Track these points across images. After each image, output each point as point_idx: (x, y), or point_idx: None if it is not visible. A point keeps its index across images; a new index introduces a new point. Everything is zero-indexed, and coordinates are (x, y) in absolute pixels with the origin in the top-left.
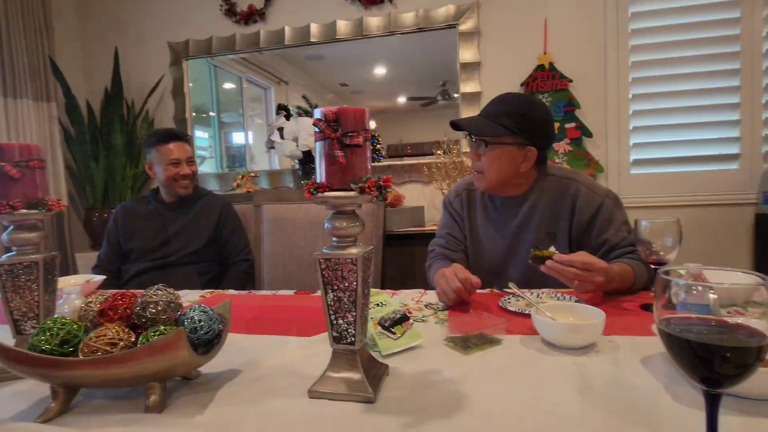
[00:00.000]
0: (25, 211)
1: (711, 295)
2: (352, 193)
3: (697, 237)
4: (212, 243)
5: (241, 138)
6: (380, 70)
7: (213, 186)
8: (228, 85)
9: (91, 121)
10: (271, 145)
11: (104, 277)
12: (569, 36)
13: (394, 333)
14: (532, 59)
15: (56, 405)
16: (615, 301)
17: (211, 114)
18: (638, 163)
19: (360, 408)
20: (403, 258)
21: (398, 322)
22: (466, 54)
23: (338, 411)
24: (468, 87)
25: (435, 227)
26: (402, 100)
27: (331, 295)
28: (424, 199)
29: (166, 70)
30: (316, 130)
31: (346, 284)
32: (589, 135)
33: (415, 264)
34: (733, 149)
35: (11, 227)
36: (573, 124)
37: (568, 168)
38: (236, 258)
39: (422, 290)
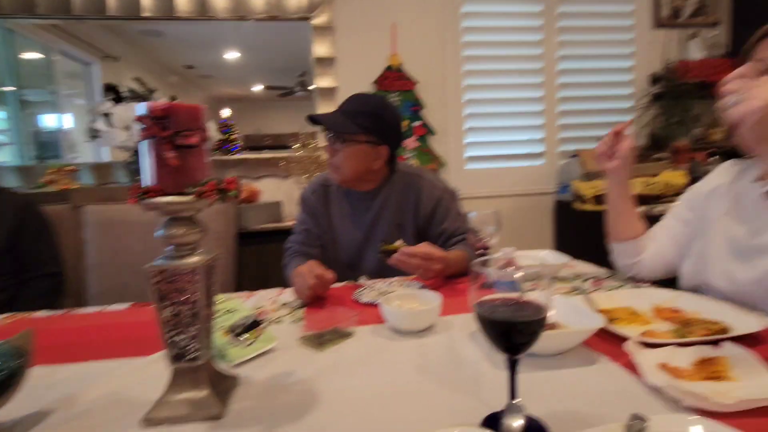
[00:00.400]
0: None
1: (516, 275)
2: (188, 198)
3: (516, 222)
4: (6, 253)
5: (55, 121)
6: (232, 55)
7: (11, 181)
8: (31, 55)
9: None
10: (94, 134)
11: None
12: (414, 41)
13: (245, 340)
14: (384, 59)
15: None
16: (452, 284)
17: (7, 89)
18: (471, 159)
19: (206, 427)
20: (261, 256)
21: (249, 328)
22: (321, 48)
23: None
24: (323, 81)
25: (294, 223)
26: (259, 88)
27: (168, 310)
28: (282, 194)
29: None
30: (142, 127)
31: (186, 297)
32: (433, 133)
33: (274, 262)
34: (539, 148)
35: None
36: (419, 123)
37: (414, 165)
38: (38, 272)
39: (280, 289)
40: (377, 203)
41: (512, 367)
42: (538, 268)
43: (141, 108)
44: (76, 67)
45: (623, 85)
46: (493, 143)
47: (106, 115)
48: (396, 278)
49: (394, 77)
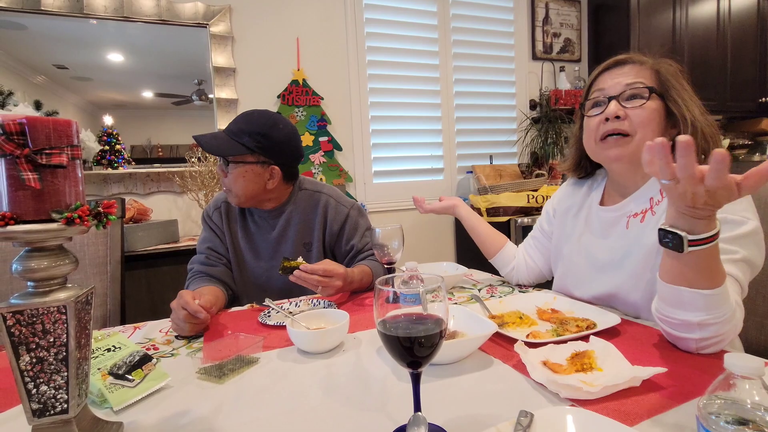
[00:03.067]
0: None
1: (420, 288)
2: (54, 225)
3: (419, 235)
4: None
5: None
6: (116, 57)
7: None
8: None
9: None
10: None
11: None
12: (318, 56)
13: (131, 380)
14: (288, 73)
15: None
16: (359, 299)
17: None
18: (378, 173)
19: None
20: (152, 281)
21: (137, 365)
22: (220, 58)
23: None
24: (223, 92)
25: (192, 242)
26: (149, 94)
27: (26, 357)
28: (178, 211)
29: None
30: None
31: (51, 340)
32: (340, 148)
33: (168, 287)
34: (439, 164)
35: None
36: (326, 138)
37: (319, 181)
38: None
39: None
40: (281, 222)
41: (416, 380)
42: (438, 280)
43: None
44: None
45: (508, 109)
46: (398, 158)
47: None
48: (303, 297)
49: (299, 92)
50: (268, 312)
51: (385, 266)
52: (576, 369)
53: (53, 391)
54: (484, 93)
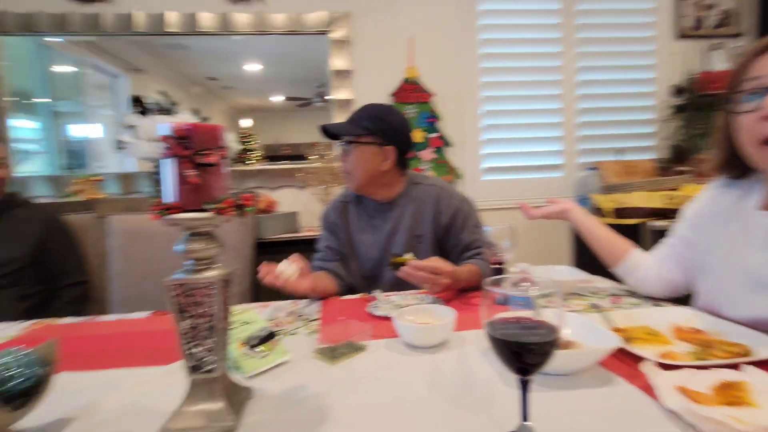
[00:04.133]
0: None
1: (533, 292)
2: (207, 215)
3: (532, 236)
4: (34, 263)
5: (82, 131)
6: (253, 67)
7: (42, 190)
8: (63, 68)
9: None
10: (120, 145)
11: None
12: (432, 53)
13: (260, 352)
14: (401, 71)
15: None
16: (466, 298)
17: (41, 101)
18: (488, 170)
19: None
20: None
21: (265, 340)
22: (338, 61)
23: None
24: (340, 94)
25: (310, 233)
26: (278, 99)
27: (186, 322)
28: (299, 204)
29: None
30: (165, 147)
31: (203, 310)
32: (450, 144)
33: None
34: (558, 160)
35: None
36: (436, 134)
37: (431, 176)
38: (67, 280)
39: (295, 300)
40: (394, 214)
41: (524, 387)
42: (554, 285)
43: (165, 128)
44: (104, 79)
45: (644, 97)
46: (511, 154)
47: (132, 127)
48: (410, 291)
49: (410, 89)
50: (376, 303)
51: (494, 266)
52: (723, 401)
53: (203, 353)
54: (615, 81)
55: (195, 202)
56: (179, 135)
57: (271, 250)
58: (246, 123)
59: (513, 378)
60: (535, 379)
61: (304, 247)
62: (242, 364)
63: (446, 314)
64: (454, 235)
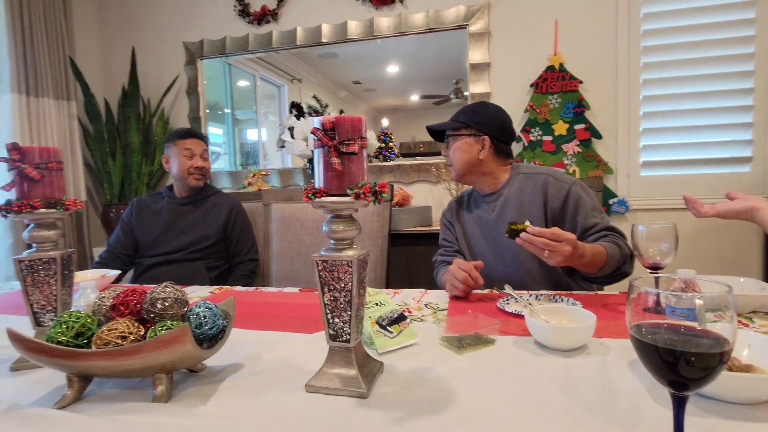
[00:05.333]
0: (44, 210)
1: (697, 301)
2: (347, 199)
3: (705, 241)
4: (221, 240)
5: (255, 135)
6: (393, 69)
7: (225, 183)
8: (242, 83)
9: (109, 119)
10: (282, 144)
11: (119, 272)
12: (580, 37)
13: (391, 332)
14: (542, 60)
15: (71, 393)
16: (612, 305)
17: (226, 111)
18: (648, 165)
19: (353, 402)
20: (409, 257)
21: (395, 321)
22: (476, 55)
23: (333, 404)
24: (477, 87)
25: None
26: (415, 98)
27: (327, 295)
28: (432, 199)
29: (181, 70)
30: (315, 138)
31: (342, 285)
32: (599, 136)
33: (420, 263)
34: (746, 152)
35: (32, 225)
36: (582, 126)
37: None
38: (242, 258)
39: (424, 290)
40: (499, 204)
41: (679, 404)
42: (726, 295)
43: (315, 122)
44: (272, 90)
45: None
46: (678, 145)
47: (290, 128)
48: (544, 291)
49: (554, 78)
50: (507, 299)
51: (649, 270)
52: None
53: (341, 324)
54: None
55: (338, 187)
56: (326, 127)
57: (403, 241)
58: (384, 122)
59: (666, 396)
60: (699, 403)
61: (436, 240)
62: (375, 341)
63: (585, 317)
64: (569, 220)
